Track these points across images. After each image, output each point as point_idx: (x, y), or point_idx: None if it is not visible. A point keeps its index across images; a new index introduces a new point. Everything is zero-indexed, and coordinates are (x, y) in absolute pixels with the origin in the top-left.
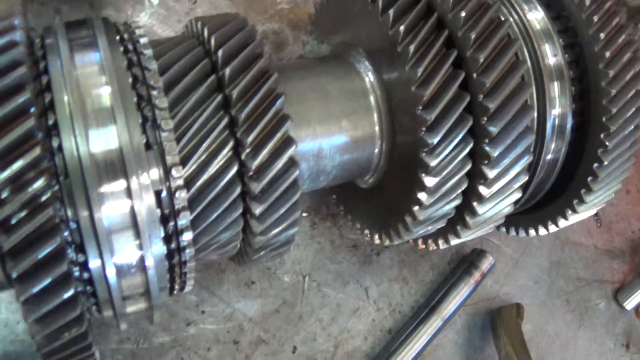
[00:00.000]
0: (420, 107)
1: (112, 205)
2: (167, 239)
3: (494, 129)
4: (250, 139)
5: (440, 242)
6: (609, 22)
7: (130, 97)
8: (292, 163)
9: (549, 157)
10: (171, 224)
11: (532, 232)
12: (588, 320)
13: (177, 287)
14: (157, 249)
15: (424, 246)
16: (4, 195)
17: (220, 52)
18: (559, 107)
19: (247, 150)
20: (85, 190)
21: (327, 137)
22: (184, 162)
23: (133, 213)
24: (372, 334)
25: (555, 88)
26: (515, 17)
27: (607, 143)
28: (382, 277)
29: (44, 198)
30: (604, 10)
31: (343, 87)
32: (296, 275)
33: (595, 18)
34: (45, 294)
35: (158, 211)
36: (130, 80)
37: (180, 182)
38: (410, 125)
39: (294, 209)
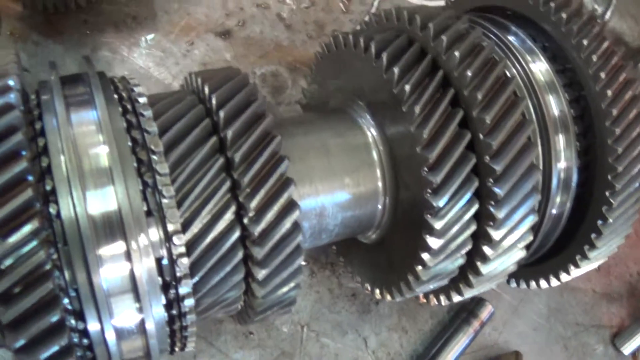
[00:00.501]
0: (426, 169)
1: (111, 268)
2: (168, 306)
3: (500, 192)
4: (253, 204)
5: (442, 298)
6: (615, 77)
7: (130, 162)
8: (295, 227)
9: (554, 211)
10: (172, 291)
11: (533, 284)
12: None
13: (177, 348)
14: (158, 312)
15: (425, 300)
16: (3, 266)
17: (222, 113)
18: (564, 161)
19: (250, 215)
20: (83, 253)
21: (330, 195)
22: (185, 226)
23: (132, 276)
24: None
25: (560, 141)
26: (519, 68)
27: (612, 201)
28: (381, 326)
29: (43, 269)
30: (610, 66)
31: (345, 143)
32: (294, 325)
33: (603, 74)
34: None
35: (159, 279)
36: (129, 143)
37: (182, 249)
38: (415, 182)
39: (297, 272)
